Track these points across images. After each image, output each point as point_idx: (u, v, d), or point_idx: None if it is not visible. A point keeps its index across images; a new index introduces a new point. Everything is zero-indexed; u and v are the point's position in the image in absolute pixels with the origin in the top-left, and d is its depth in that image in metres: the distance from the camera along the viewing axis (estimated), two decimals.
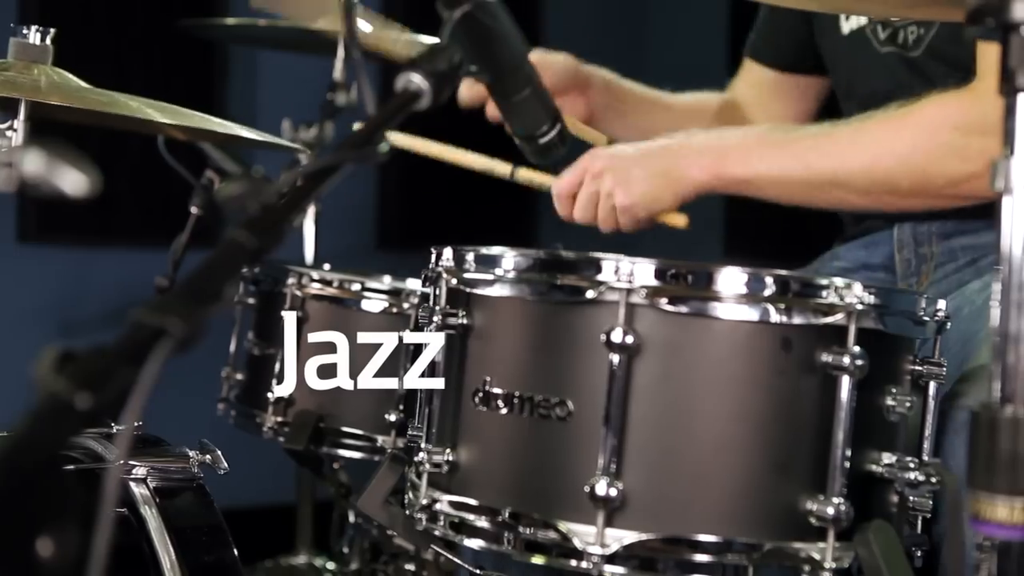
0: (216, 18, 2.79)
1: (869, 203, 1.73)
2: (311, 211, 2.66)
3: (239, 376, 2.07)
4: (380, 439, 1.89)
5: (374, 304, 1.95)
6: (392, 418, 1.86)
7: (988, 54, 1.56)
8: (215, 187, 1.93)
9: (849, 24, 1.92)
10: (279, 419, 1.94)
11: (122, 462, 1.13)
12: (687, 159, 1.68)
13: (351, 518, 2.29)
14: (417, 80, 1.06)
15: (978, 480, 0.97)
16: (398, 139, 2.02)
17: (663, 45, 4.92)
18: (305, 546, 2.62)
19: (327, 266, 2.23)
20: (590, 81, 2.10)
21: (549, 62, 2.04)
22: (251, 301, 2.07)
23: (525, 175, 1.84)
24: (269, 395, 1.95)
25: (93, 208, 3.79)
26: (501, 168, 1.85)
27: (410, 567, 2.07)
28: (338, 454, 1.95)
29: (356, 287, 1.96)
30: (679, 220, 1.74)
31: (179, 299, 0.83)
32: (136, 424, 1.62)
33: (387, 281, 2.08)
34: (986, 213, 1.70)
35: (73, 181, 0.76)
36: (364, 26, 2.46)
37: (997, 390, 0.97)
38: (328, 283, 1.97)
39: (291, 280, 1.96)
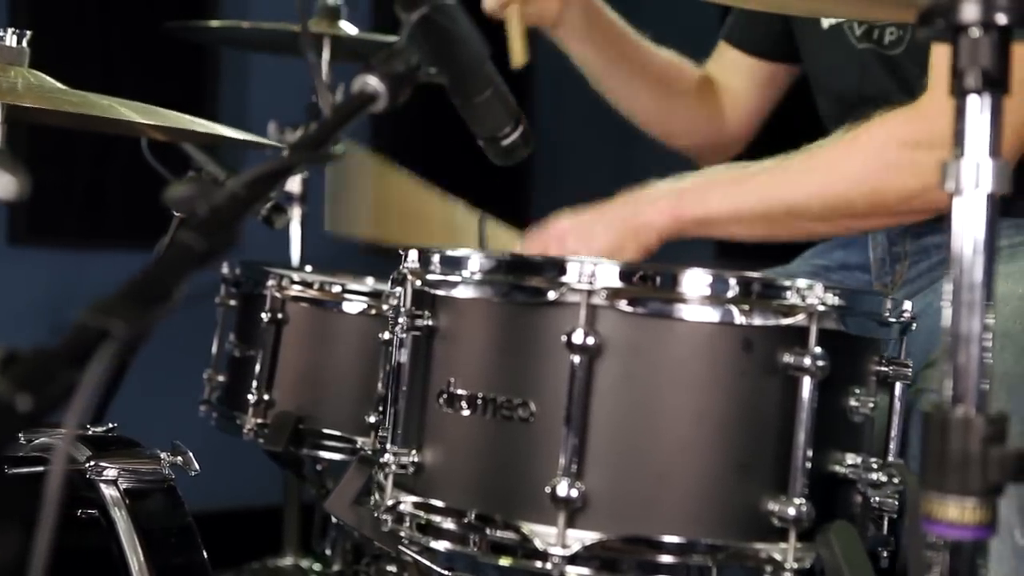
0: (204, 20, 2.79)
1: (829, 229, 1.76)
2: (297, 213, 2.67)
3: (221, 378, 2.07)
4: (360, 440, 1.88)
5: (355, 306, 1.94)
6: (372, 420, 1.85)
7: (940, 64, 1.58)
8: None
9: (828, 19, 1.93)
10: (259, 421, 1.94)
11: (65, 465, 1.13)
12: (645, 206, 1.69)
13: (334, 519, 2.29)
14: (373, 82, 1.07)
15: (930, 480, 0.97)
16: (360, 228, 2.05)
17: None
18: (292, 547, 2.62)
19: (309, 268, 2.23)
20: None
21: None
22: (232, 303, 2.07)
23: (492, 233, 1.86)
24: (249, 397, 1.95)
25: (83, 210, 3.82)
26: (467, 228, 1.87)
27: (392, 568, 2.08)
28: (318, 455, 1.95)
29: (337, 289, 1.96)
30: None
31: (125, 301, 0.83)
32: (110, 426, 1.64)
33: (370, 283, 2.08)
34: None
35: (2, 185, 0.76)
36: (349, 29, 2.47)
37: (948, 390, 0.98)
38: (309, 285, 1.96)
39: (271, 282, 1.96)
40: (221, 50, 3.96)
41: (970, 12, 0.96)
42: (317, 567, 2.54)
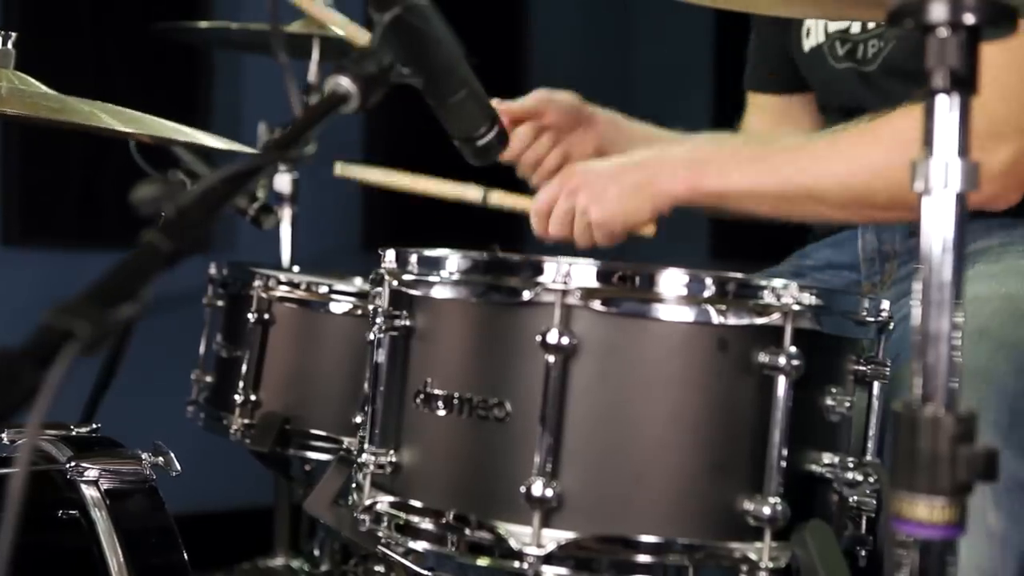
0: (194, 22, 2.80)
1: (846, 216, 1.75)
2: (287, 214, 2.67)
3: (208, 378, 2.07)
4: (346, 441, 1.88)
5: (342, 306, 1.94)
6: (358, 420, 1.86)
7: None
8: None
9: (809, 42, 1.94)
10: (246, 421, 1.94)
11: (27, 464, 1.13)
12: (663, 172, 1.68)
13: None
14: (345, 83, 1.07)
15: (899, 479, 0.97)
16: (366, 174, 2.04)
17: (649, 61, 4.92)
18: (282, 548, 2.63)
19: (296, 268, 2.23)
20: (595, 117, 2.11)
21: (556, 100, 2.08)
22: (220, 304, 2.08)
23: (498, 198, 1.84)
24: (236, 397, 1.95)
25: (78, 211, 3.82)
26: (472, 194, 1.86)
27: (379, 568, 2.08)
28: (305, 456, 1.95)
29: (323, 289, 1.96)
30: (648, 229, 1.75)
31: (89, 302, 0.83)
32: (94, 426, 1.64)
33: (357, 283, 2.08)
34: None
35: None
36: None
37: (918, 389, 0.98)
38: (295, 286, 1.96)
39: (257, 283, 1.96)
40: (214, 51, 3.97)
41: (938, 12, 0.96)
42: (308, 567, 2.54)
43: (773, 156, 1.68)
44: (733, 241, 4.26)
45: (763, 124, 2.23)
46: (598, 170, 1.72)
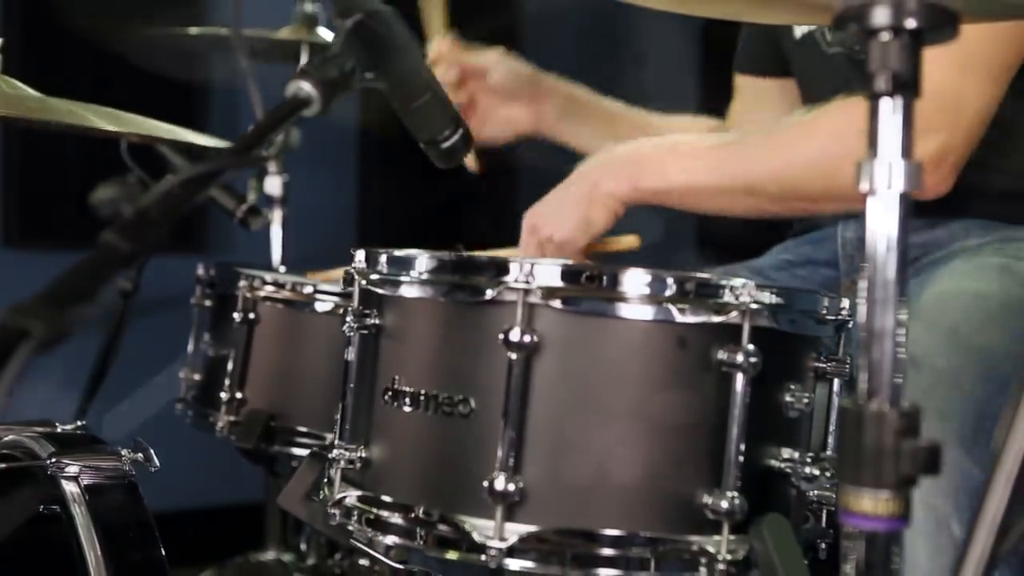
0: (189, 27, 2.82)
1: (781, 209, 1.77)
2: (278, 215, 2.70)
3: (196, 377, 2.11)
4: (329, 437, 1.91)
5: (326, 306, 1.97)
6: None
7: None
8: None
9: (800, 28, 1.96)
10: (231, 419, 1.97)
11: None
12: (605, 176, 1.73)
13: None
14: (306, 88, 1.10)
15: (845, 473, 1.00)
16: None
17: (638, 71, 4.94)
18: (273, 542, 2.65)
19: (282, 268, 2.26)
20: (554, 90, 2.15)
21: (509, 64, 2.11)
22: (207, 303, 2.11)
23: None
24: (222, 395, 1.98)
25: (77, 213, 3.84)
26: None
27: (364, 562, 2.11)
28: (290, 452, 1.97)
29: (308, 289, 1.98)
30: (627, 242, 1.79)
31: (45, 301, 0.86)
32: (79, 424, 1.67)
33: (342, 283, 2.11)
34: (927, 212, 1.74)
35: None
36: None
37: (863, 384, 1.00)
38: (281, 286, 1.99)
39: (243, 283, 1.99)
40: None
41: (881, 16, 0.99)
42: (297, 561, 2.57)
43: (711, 152, 1.72)
44: (723, 240, 4.28)
45: (741, 108, 2.26)
46: (547, 199, 1.78)
